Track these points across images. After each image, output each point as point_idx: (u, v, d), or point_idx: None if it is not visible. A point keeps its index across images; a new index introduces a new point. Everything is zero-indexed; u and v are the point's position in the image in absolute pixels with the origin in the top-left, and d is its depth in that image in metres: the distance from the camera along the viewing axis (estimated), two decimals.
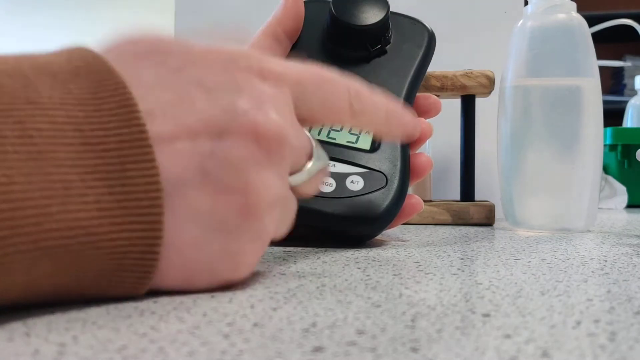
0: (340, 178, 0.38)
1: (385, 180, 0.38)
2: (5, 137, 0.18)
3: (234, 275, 0.23)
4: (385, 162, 0.38)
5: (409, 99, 0.41)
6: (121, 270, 0.20)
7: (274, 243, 0.39)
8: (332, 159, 0.38)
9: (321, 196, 0.37)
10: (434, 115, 0.43)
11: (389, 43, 0.43)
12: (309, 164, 0.26)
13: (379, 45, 0.42)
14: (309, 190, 0.28)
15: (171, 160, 0.21)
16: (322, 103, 0.27)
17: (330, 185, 0.38)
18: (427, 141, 0.64)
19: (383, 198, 0.37)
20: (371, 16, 0.41)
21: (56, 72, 0.20)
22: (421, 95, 0.43)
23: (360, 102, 0.28)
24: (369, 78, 0.41)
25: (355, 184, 0.38)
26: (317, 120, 0.28)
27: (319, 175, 0.28)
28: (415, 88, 0.42)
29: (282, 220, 0.25)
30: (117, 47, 0.23)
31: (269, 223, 0.23)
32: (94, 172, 0.19)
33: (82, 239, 0.19)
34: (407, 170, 0.39)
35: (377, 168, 0.38)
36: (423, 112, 0.42)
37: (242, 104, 0.22)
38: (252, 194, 0.22)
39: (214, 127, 0.22)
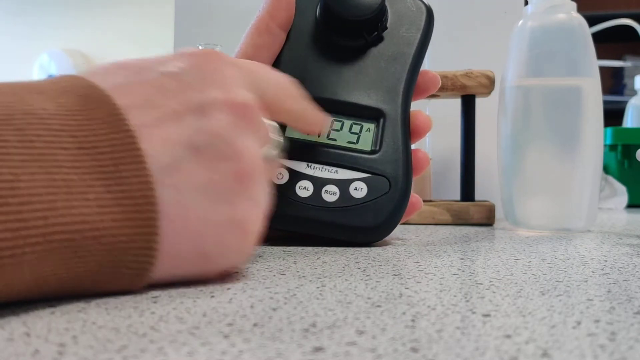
0: (343, 185, 0.37)
1: (388, 184, 0.38)
2: (7, 141, 0.19)
3: (243, 244, 0.24)
4: (388, 165, 0.38)
5: (410, 84, 0.40)
6: (121, 267, 0.21)
7: (270, 241, 0.39)
8: (334, 164, 0.38)
9: (326, 206, 0.37)
10: (434, 91, 0.42)
11: (386, 29, 0.41)
12: (274, 142, 0.29)
13: (376, 33, 0.40)
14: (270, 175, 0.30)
15: (162, 142, 0.22)
16: (269, 85, 0.29)
17: (334, 193, 0.37)
18: (427, 140, 0.64)
19: (387, 204, 0.37)
20: (366, 5, 0.39)
21: (44, 90, 0.22)
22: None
23: (297, 85, 0.32)
24: (368, 67, 0.40)
25: (359, 190, 0.37)
26: (272, 104, 0.29)
27: (275, 162, 0.30)
28: (415, 73, 0.40)
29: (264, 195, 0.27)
30: (85, 73, 0.25)
31: (261, 189, 0.25)
32: (91, 172, 0.20)
33: (87, 234, 0.20)
34: (409, 173, 0.38)
35: (380, 172, 0.38)
36: (422, 90, 0.41)
37: (212, 82, 0.25)
38: (242, 159, 0.24)
39: (193, 106, 0.24)
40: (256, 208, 0.25)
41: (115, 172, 0.21)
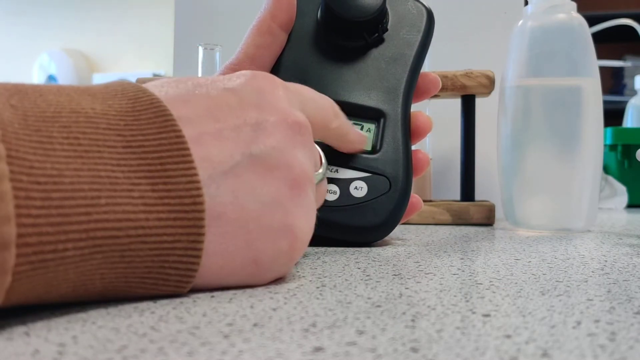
0: (343, 184, 0.37)
1: (388, 184, 0.38)
2: (53, 137, 0.19)
3: (294, 251, 0.25)
4: (388, 164, 0.38)
5: (410, 86, 0.40)
6: (166, 267, 0.21)
7: None
8: (334, 164, 0.38)
9: (326, 205, 0.37)
10: (435, 92, 0.42)
11: (387, 30, 0.40)
12: (323, 166, 0.31)
13: (377, 34, 0.40)
14: (319, 198, 0.31)
15: (220, 148, 0.23)
16: (316, 106, 0.31)
17: (334, 193, 0.37)
18: (427, 140, 0.64)
19: (387, 204, 0.37)
20: (367, 6, 0.39)
21: (94, 93, 0.22)
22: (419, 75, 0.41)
23: (336, 105, 0.33)
24: (368, 68, 0.40)
25: (359, 190, 0.37)
26: (316, 124, 0.31)
27: (323, 186, 0.31)
28: (416, 74, 0.40)
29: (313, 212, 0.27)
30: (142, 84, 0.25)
31: (312, 198, 0.26)
32: (137, 171, 0.20)
33: (131, 232, 0.20)
34: (410, 173, 0.38)
35: (380, 172, 0.38)
36: (423, 92, 0.41)
37: (268, 101, 0.26)
38: (295, 168, 0.25)
39: (252, 120, 0.25)
40: (306, 216, 0.25)
41: (161, 172, 0.21)
